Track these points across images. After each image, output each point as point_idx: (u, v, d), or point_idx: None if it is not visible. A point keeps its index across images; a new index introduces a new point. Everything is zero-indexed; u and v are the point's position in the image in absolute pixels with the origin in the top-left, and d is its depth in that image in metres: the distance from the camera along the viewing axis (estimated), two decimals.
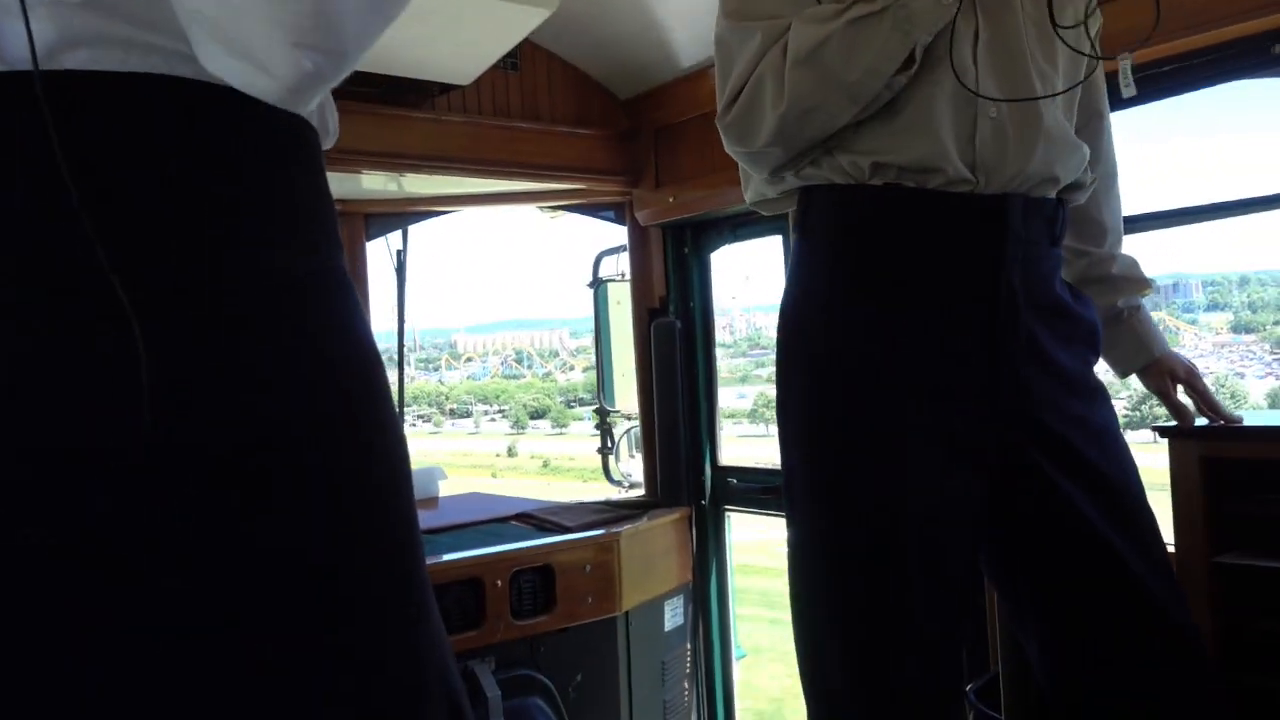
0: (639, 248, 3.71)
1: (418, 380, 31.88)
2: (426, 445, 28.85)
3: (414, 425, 30.52)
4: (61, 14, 0.75)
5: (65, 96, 0.74)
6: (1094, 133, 1.65)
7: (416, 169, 3.25)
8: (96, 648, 0.75)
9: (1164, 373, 1.76)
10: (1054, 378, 1.48)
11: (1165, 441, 1.84)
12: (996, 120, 1.38)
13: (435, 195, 3.77)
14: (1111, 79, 1.79)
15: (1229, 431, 1.81)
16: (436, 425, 30.90)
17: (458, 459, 26.75)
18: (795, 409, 1.51)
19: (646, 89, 3.55)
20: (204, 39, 0.77)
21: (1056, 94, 1.43)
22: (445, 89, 3.16)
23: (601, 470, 4.07)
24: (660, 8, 3.22)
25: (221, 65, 0.78)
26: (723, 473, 3.54)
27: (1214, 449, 1.81)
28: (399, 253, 3.85)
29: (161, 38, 0.78)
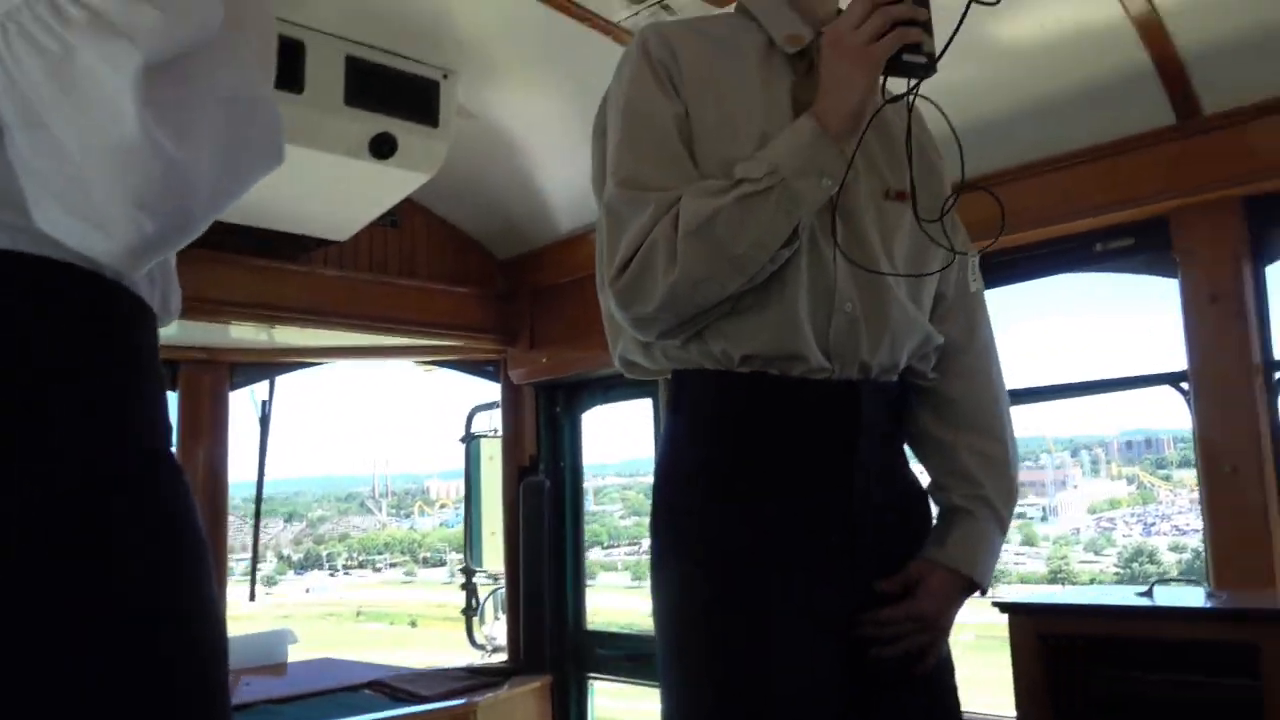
0: (512, 406, 3.72)
1: (390, 527, 30.57)
2: (399, 595, 27.26)
3: (380, 571, 29.08)
4: None
5: None
6: (954, 316, 1.70)
7: (289, 321, 3.23)
8: (96, 638, 0.74)
9: (915, 579, 1.52)
10: (905, 554, 1.53)
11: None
12: (850, 314, 1.46)
13: (307, 347, 3.73)
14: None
15: (1065, 608, 1.87)
16: (410, 574, 29.34)
17: (431, 610, 25.21)
18: (669, 588, 1.51)
19: (524, 251, 3.64)
20: (43, 196, 0.74)
21: (926, 273, 1.51)
22: (322, 243, 3.18)
23: (465, 633, 3.94)
24: (541, 174, 3.34)
25: (59, 225, 0.75)
26: (588, 638, 3.47)
27: (1050, 625, 1.87)
28: (264, 403, 3.76)
29: (5, 211, 0.76)
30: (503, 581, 3.78)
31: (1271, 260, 2.30)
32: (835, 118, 1.35)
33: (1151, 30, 2.21)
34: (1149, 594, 2.00)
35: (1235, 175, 2.24)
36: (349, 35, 2.67)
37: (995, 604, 1.92)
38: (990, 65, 2.41)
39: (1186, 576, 2.19)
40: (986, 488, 1.55)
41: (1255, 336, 2.26)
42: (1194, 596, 1.99)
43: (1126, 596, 2.00)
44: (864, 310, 1.47)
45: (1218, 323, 2.27)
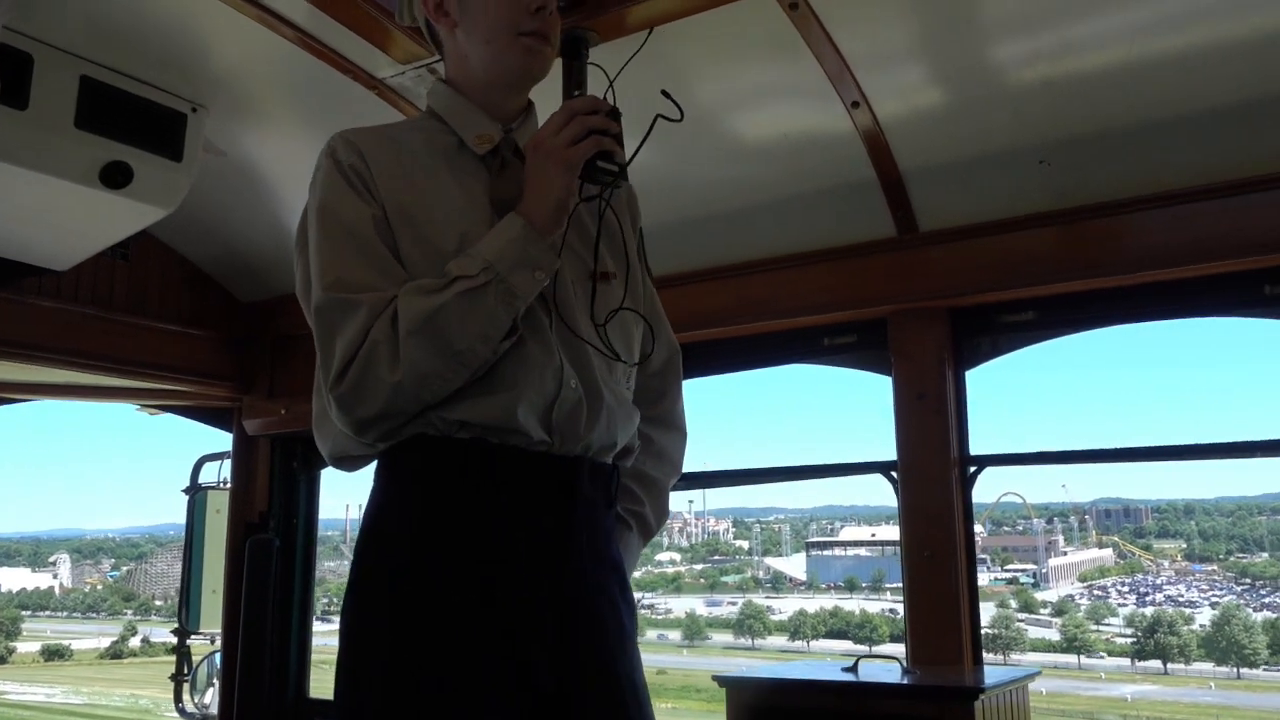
0: (244, 457, 3.51)
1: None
2: None
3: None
4: None
5: None
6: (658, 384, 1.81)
7: None
8: None
9: None
10: (617, 627, 1.57)
11: None
12: (575, 391, 1.51)
13: (11, 382, 3.37)
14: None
15: (777, 683, 1.97)
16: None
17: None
18: (365, 650, 1.47)
19: (269, 296, 3.48)
20: None
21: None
22: (37, 271, 2.90)
23: (173, 700, 3.64)
24: (292, 219, 3.19)
25: None
26: (311, 708, 3.29)
27: (763, 699, 1.97)
28: None
29: None
30: (220, 645, 3.53)
31: (971, 365, 2.57)
32: (541, 215, 1.44)
33: (878, 147, 2.43)
34: (854, 670, 2.14)
35: (944, 288, 2.49)
36: (87, 55, 2.48)
37: (714, 678, 2.00)
38: (737, 164, 2.57)
39: (885, 654, 2.36)
40: (646, 506, 1.73)
41: (954, 432, 2.50)
42: (891, 673, 2.15)
43: (833, 672, 2.13)
44: (585, 390, 1.52)
45: (923, 418, 2.50)
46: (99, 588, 78.77)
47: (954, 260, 2.48)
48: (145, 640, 61.45)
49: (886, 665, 2.21)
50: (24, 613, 70.67)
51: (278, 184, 3.10)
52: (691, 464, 1.95)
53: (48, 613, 74.77)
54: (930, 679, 2.10)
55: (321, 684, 3.38)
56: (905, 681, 2.09)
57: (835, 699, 1.99)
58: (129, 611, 72.42)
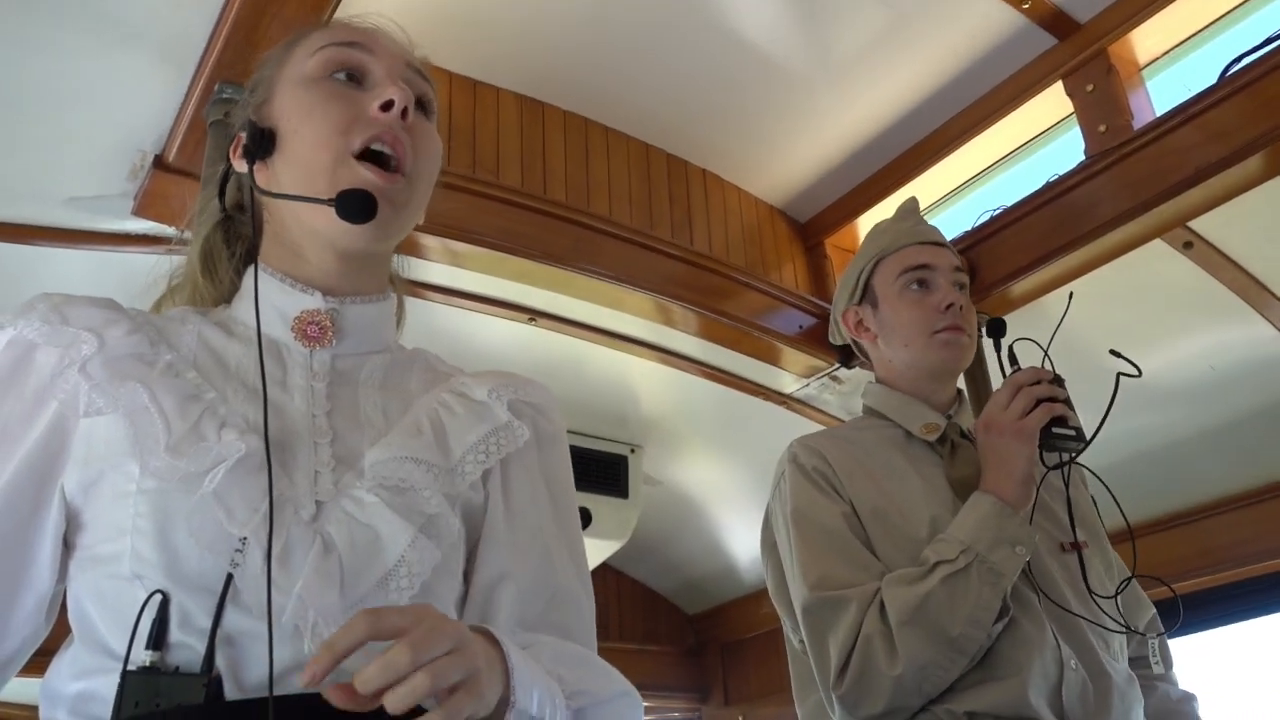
0: None
1: None
2: None
3: None
4: (297, 642, 0.81)
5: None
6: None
7: None
8: None
9: None
10: None
11: None
12: (1077, 672, 1.43)
13: None
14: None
15: None
16: None
17: None
18: None
19: (712, 606, 3.68)
20: None
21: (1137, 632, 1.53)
22: None
23: None
24: (723, 532, 3.45)
25: None
26: None
27: None
28: None
29: None
30: None
31: None
32: (1009, 489, 1.44)
33: None
34: None
35: None
36: None
37: None
38: (1160, 405, 2.43)
39: None
40: None
41: None
42: None
43: None
44: (1087, 670, 1.44)
45: None
46: None
47: None
48: None
49: None
50: None
51: (706, 503, 3.37)
52: None
53: None
54: None
55: None
56: None
57: None
58: None
